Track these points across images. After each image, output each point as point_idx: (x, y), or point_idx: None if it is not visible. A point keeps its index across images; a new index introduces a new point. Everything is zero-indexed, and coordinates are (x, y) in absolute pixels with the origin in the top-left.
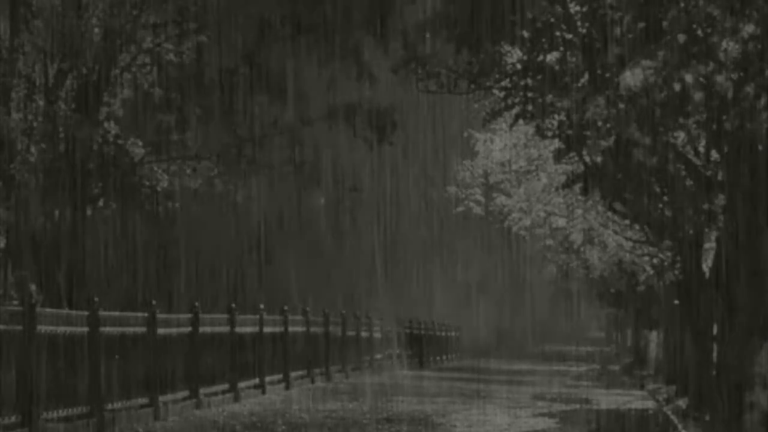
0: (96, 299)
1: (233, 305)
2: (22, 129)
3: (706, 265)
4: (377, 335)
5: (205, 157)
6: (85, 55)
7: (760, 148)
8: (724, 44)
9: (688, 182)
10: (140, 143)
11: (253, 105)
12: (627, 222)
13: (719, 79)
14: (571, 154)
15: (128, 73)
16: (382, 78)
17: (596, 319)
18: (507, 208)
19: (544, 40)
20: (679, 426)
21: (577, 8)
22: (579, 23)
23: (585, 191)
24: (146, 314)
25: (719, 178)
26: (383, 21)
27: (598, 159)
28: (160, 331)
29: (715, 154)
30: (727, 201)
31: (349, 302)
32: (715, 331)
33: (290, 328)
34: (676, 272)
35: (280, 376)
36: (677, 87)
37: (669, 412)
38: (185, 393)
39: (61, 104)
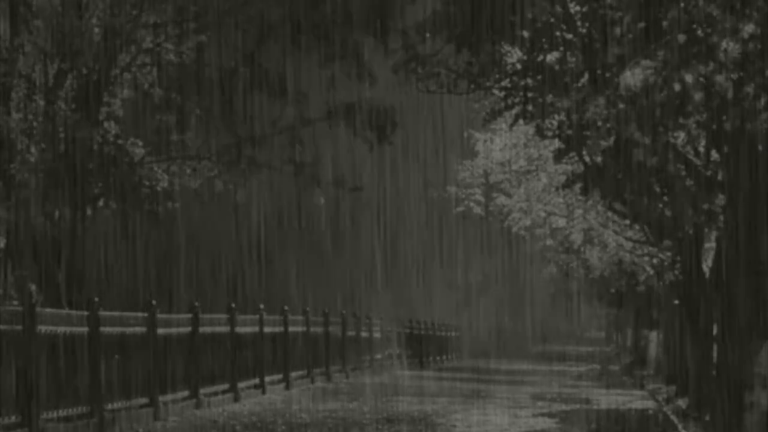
0: (96, 299)
1: (233, 305)
2: (22, 129)
3: (706, 265)
4: (377, 335)
5: (205, 157)
6: (85, 55)
7: (760, 148)
8: (724, 44)
9: (688, 182)
10: (140, 143)
11: (253, 105)
12: (627, 222)
13: (719, 79)
14: (571, 154)
15: (128, 73)
16: (382, 78)
17: (596, 319)
18: (507, 208)
19: (544, 40)
20: (679, 426)
21: (577, 8)
22: (579, 23)
23: (585, 191)
24: (146, 314)
25: (719, 178)
26: (383, 21)
27: (598, 159)
28: (160, 331)
29: (715, 154)
30: (727, 201)
31: (349, 302)
32: (715, 331)
33: (290, 328)
34: (676, 272)
35: (280, 376)
36: (677, 87)
37: (669, 412)
38: (185, 393)
39: (61, 104)
